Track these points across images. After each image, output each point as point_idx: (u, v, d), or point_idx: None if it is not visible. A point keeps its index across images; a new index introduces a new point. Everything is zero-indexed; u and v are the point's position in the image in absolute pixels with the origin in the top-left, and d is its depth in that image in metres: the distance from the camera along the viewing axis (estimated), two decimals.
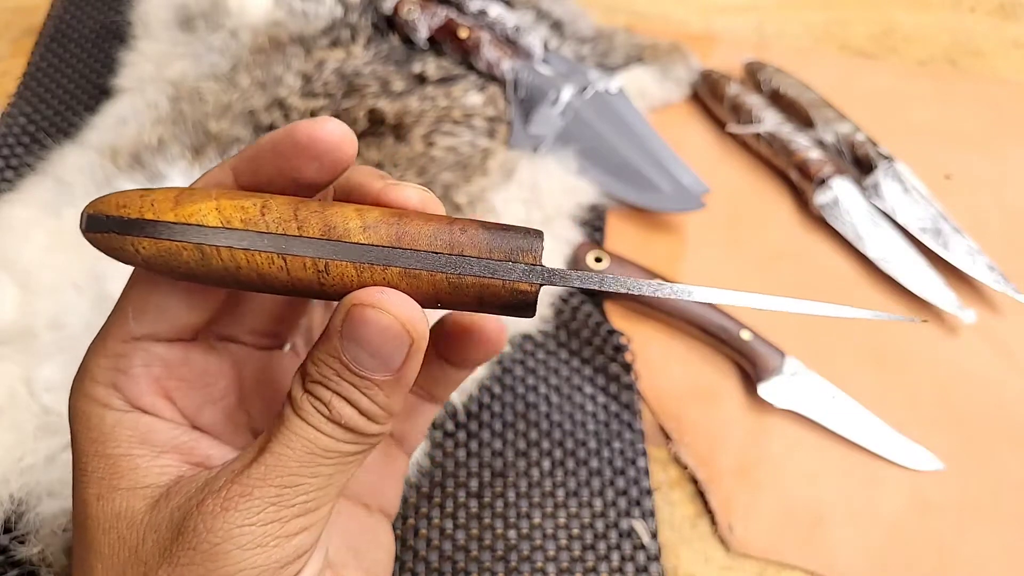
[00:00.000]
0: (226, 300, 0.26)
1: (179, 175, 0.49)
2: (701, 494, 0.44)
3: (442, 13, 0.59)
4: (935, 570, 0.42)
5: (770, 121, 0.59)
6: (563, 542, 0.42)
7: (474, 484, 0.43)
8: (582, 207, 0.54)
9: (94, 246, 0.23)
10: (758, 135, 0.59)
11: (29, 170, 0.53)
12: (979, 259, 0.52)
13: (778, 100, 0.61)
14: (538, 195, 0.53)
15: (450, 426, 0.45)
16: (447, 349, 0.29)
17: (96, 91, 0.60)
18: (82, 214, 0.23)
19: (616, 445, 0.45)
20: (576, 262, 0.51)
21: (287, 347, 0.31)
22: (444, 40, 0.59)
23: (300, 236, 0.22)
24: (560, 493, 0.43)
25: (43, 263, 0.45)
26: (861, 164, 0.56)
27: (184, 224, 0.22)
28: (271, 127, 0.53)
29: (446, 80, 0.57)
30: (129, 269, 0.25)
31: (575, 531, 0.42)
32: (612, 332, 0.48)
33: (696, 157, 0.59)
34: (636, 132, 0.57)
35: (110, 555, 0.23)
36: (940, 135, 0.62)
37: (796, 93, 0.60)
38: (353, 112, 0.53)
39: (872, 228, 0.54)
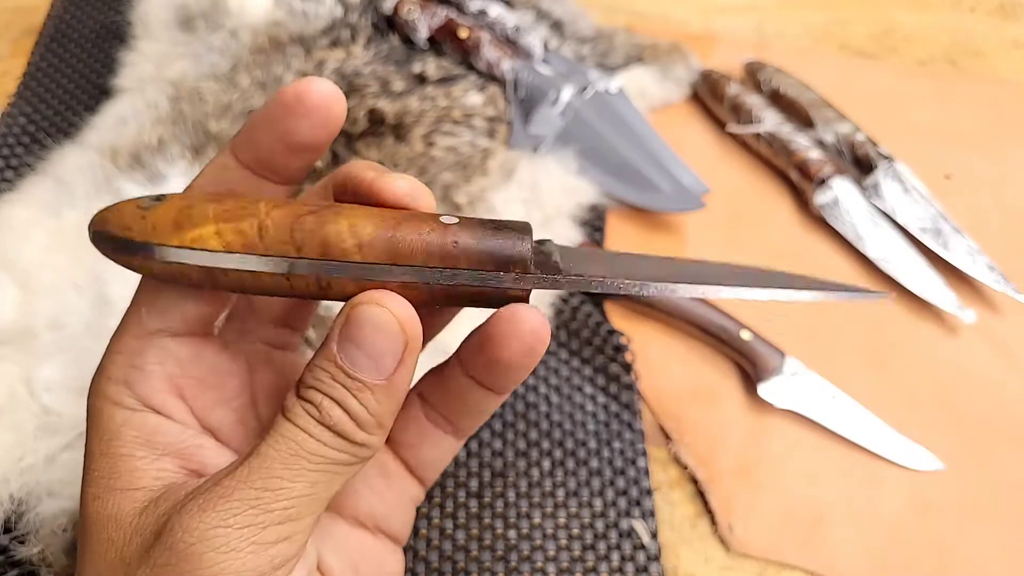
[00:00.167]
0: (240, 296, 0.27)
1: (179, 175, 0.49)
2: (701, 494, 0.44)
3: (442, 13, 0.59)
4: (935, 570, 0.42)
5: (770, 121, 0.59)
6: (563, 542, 0.42)
7: (474, 484, 0.43)
8: (582, 207, 0.54)
9: (101, 253, 0.23)
10: (758, 135, 0.59)
11: (29, 170, 0.53)
12: (979, 259, 0.52)
13: (778, 100, 0.61)
14: (538, 195, 0.53)
15: None
16: (476, 357, 0.26)
17: (96, 91, 0.60)
18: (90, 227, 0.23)
19: (616, 445, 0.45)
20: None
21: (302, 341, 0.31)
22: (444, 40, 0.59)
23: (300, 258, 0.22)
24: (560, 493, 0.43)
25: (43, 263, 0.45)
26: (861, 164, 0.56)
27: (188, 248, 0.22)
28: None
29: (446, 80, 0.57)
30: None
31: (575, 531, 0.42)
32: (612, 332, 0.48)
33: (696, 157, 0.59)
34: (636, 132, 0.57)
35: (99, 555, 0.23)
36: (940, 135, 0.62)
37: (796, 93, 0.60)
38: (353, 112, 0.53)
39: (872, 228, 0.54)
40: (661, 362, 0.49)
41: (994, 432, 0.47)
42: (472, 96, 0.57)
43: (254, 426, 0.27)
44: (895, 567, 0.42)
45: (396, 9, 0.59)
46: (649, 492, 0.43)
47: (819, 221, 0.56)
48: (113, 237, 0.23)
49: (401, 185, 0.24)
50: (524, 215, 0.52)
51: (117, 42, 0.62)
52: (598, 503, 0.43)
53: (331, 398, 0.23)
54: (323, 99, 0.24)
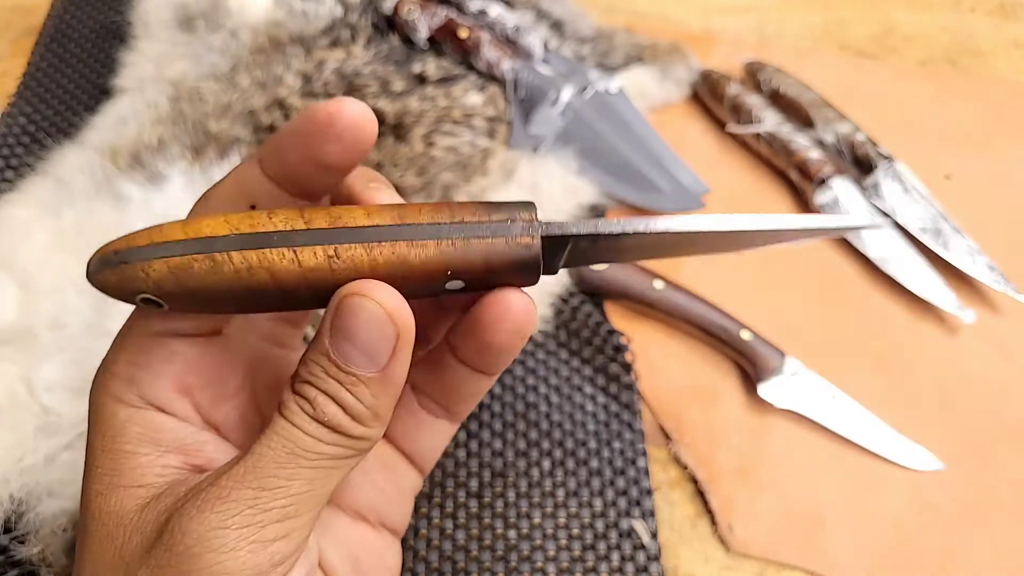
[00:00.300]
0: None
1: (179, 175, 0.49)
2: (701, 494, 0.44)
3: (442, 13, 0.59)
4: (935, 570, 0.42)
5: (770, 121, 0.59)
6: (563, 542, 0.42)
7: (474, 484, 0.43)
8: (582, 207, 0.54)
9: (103, 290, 0.23)
10: (758, 135, 0.59)
11: (29, 170, 0.53)
12: (979, 259, 0.52)
13: (778, 100, 0.61)
14: (538, 195, 0.53)
15: None
16: (467, 343, 0.27)
17: (96, 91, 0.60)
18: (88, 263, 0.23)
19: (616, 445, 0.45)
20: None
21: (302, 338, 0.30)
22: (444, 40, 0.59)
23: (309, 230, 0.22)
24: (560, 493, 0.43)
25: (43, 263, 0.45)
26: (861, 164, 0.56)
27: (194, 239, 0.22)
28: (271, 127, 0.53)
29: (446, 80, 0.57)
30: None
31: (575, 531, 0.42)
32: (612, 332, 0.48)
33: (696, 157, 0.59)
34: (636, 132, 0.57)
35: (99, 552, 0.23)
36: (940, 135, 0.62)
37: (796, 93, 0.60)
38: None
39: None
40: (661, 362, 0.49)
41: (994, 432, 0.47)
42: (472, 96, 0.57)
43: (256, 423, 0.27)
44: (895, 567, 0.42)
45: (396, 9, 0.59)
46: (649, 492, 0.43)
47: None
48: (116, 252, 0.22)
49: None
50: None
51: (117, 42, 0.62)
52: (598, 503, 0.43)
53: (325, 393, 0.23)
54: (355, 122, 0.23)
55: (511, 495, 0.43)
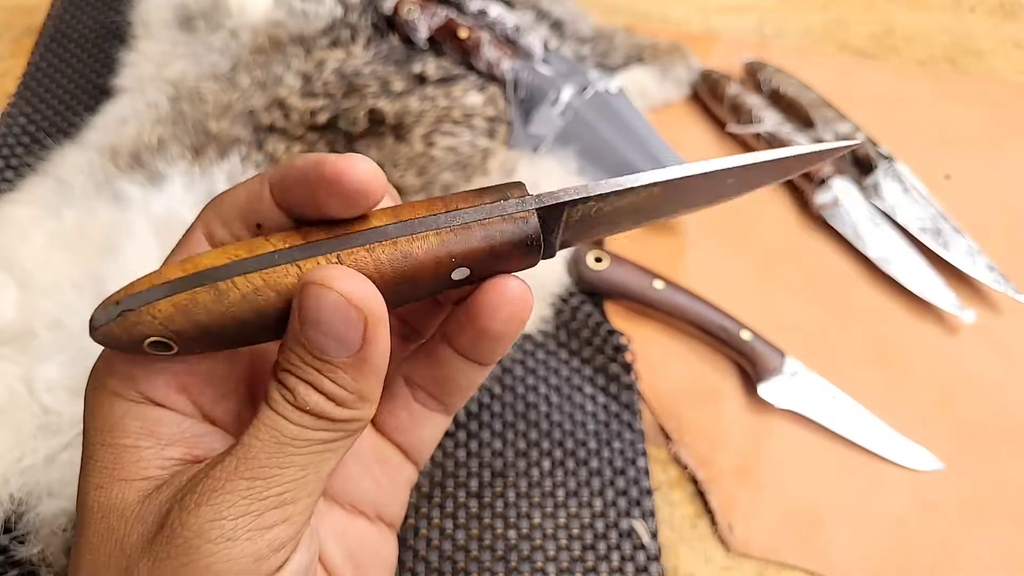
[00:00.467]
0: None
1: (179, 175, 0.49)
2: (701, 494, 0.44)
3: (442, 13, 0.59)
4: (935, 570, 0.42)
5: (770, 121, 0.59)
6: (563, 542, 0.42)
7: (474, 484, 0.43)
8: None
9: (108, 344, 0.22)
10: (758, 135, 0.59)
11: (29, 170, 0.53)
12: (979, 259, 0.52)
13: (778, 100, 0.61)
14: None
15: (450, 426, 0.45)
16: (464, 331, 0.27)
17: (96, 91, 0.60)
18: (91, 319, 0.22)
19: (616, 445, 0.45)
20: (576, 263, 0.51)
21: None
22: (444, 40, 0.59)
23: (308, 243, 0.22)
24: (560, 493, 0.43)
25: (43, 263, 0.45)
26: (861, 164, 0.56)
27: (193, 273, 0.22)
28: (271, 127, 0.53)
29: (446, 80, 0.57)
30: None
31: (575, 531, 0.42)
32: (612, 332, 0.48)
33: (696, 157, 0.58)
34: (636, 132, 0.57)
35: (98, 545, 0.23)
36: (940, 135, 0.62)
37: (796, 93, 0.60)
38: (353, 112, 0.53)
39: (872, 228, 0.54)
40: (661, 362, 0.49)
41: (994, 432, 0.47)
42: (472, 96, 0.57)
43: (251, 419, 0.27)
44: (895, 567, 0.42)
45: (396, 9, 0.59)
46: (649, 492, 0.43)
47: (819, 221, 0.56)
48: (117, 303, 0.22)
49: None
50: None
51: (117, 42, 0.62)
52: (598, 503, 0.43)
53: (305, 381, 0.22)
54: (361, 184, 0.22)
55: (511, 495, 0.43)
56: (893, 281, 0.53)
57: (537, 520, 0.42)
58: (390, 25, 0.60)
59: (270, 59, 0.56)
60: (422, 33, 0.59)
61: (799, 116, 0.59)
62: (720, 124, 0.62)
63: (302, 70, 0.56)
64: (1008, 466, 0.46)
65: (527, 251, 0.24)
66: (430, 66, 0.57)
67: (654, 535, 0.42)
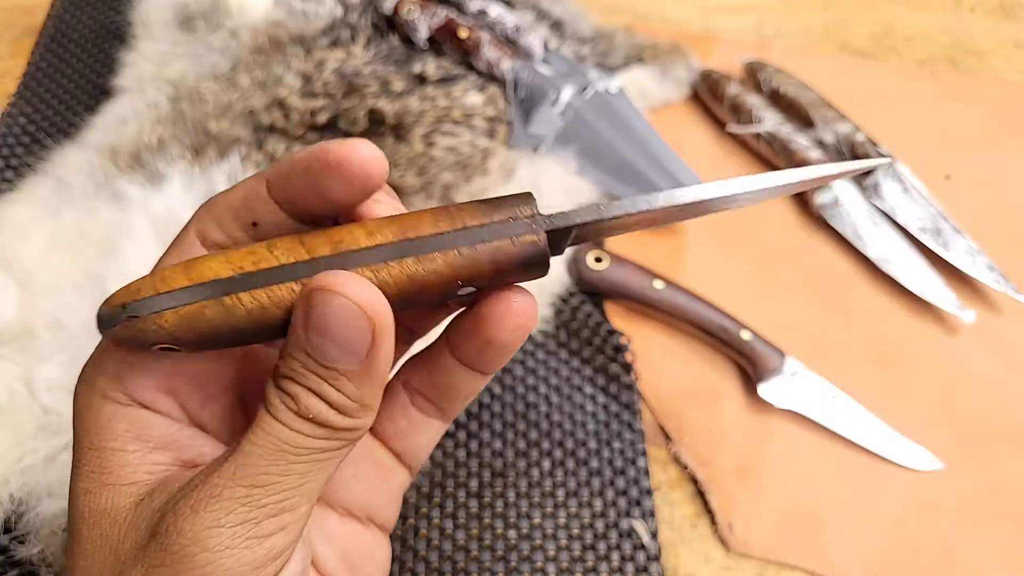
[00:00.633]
0: None
1: (179, 175, 0.49)
2: (701, 494, 0.44)
3: (442, 13, 0.59)
4: (935, 570, 0.42)
5: (770, 121, 0.59)
6: (563, 542, 0.42)
7: (474, 484, 0.43)
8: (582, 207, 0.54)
9: (118, 344, 0.23)
10: (758, 135, 0.59)
11: (29, 170, 0.53)
12: (979, 259, 0.52)
13: (778, 100, 0.61)
14: (538, 195, 0.53)
15: (450, 426, 0.45)
16: (468, 341, 0.27)
17: (96, 91, 0.60)
18: (99, 318, 0.22)
19: (616, 445, 0.45)
20: (576, 263, 0.51)
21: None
22: (444, 40, 0.59)
23: (313, 259, 0.22)
24: (560, 493, 0.43)
25: (43, 263, 0.45)
26: None
27: (199, 284, 0.22)
28: (271, 127, 0.53)
29: (446, 80, 0.57)
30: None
31: (575, 531, 0.42)
32: (612, 332, 0.48)
33: (696, 157, 0.59)
34: (636, 132, 0.57)
35: (92, 552, 0.23)
36: (940, 135, 0.62)
37: (796, 93, 0.60)
38: (353, 112, 0.54)
39: (872, 228, 0.54)
40: (661, 362, 0.49)
41: (994, 432, 0.47)
42: (472, 96, 0.57)
43: (243, 422, 0.27)
44: (895, 567, 0.42)
45: (396, 9, 0.59)
46: (649, 492, 0.43)
47: (819, 221, 0.56)
48: (124, 306, 0.22)
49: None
50: None
51: (117, 42, 0.62)
52: (598, 503, 0.43)
53: (308, 388, 0.22)
54: (364, 167, 0.23)
55: (511, 495, 0.43)
56: (893, 281, 0.53)
57: (537, 520, 0.42)
58: (390, 25, 0.60)
59: (270, 59, 0.56)
60: (422, 33, 0.59)
61: (799, 116, 0.59)
62: (720, 124, 0.62)
63: (302, 70, 0.56)
64: (1008, 466, 0.46)
65: (535, 269, 0.24)
66: (430, 66, 0.57)
67: (654, 535, 0.42)
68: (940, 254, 0.53)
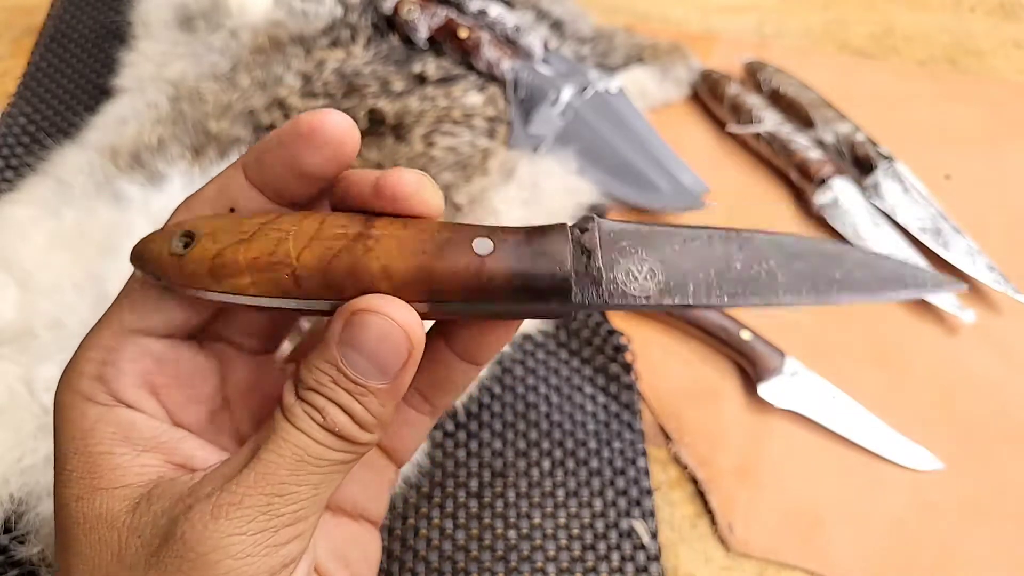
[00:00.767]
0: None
1: (179, 175, 0.49)
2: (701, 494, 0.44)
3: (442, 13, 0.59)
4: (935, 570, 0.42)
5: (770, 121, 0.59)
6: (563, 542, 0.42)
7: (474, 484, 0.43)
8: (582, 207, 0.54)
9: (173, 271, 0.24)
10: (758, 135, 0.59)
11: (29, 170, 0.53)
12: (979, 259, 0.52)
13: (778, 100, 0.61)
14: (538, 195, 0.53)
15: (450, 426, 0.45)
16: (462, 331, 0.27)
17: (96, 91, 0.60)
18: (132, 257, 0.24)
19: (616, 445, 0.45)
20: None
21: (280, 353, 0.30)
22: (444, 40, 0.59)
23: (338, 299, 0.23)
24: (560, 493, 0.43)
25: (43, 263, 0.45)
26: (861, 164, 0.56)
27: (228, 292, 0.23)
28: (271, 127, 0.53)
29: (446, 80, 0.57)
30: (131, 271, 0.25)
31: (575, 531, 0.42)
32: (612, 332, 0.48)
33: (696, 157, 0.59)
34: (636, 132, 0.57)
35: (91, 557, 0.23)
36: (940, 135, 0.62)
37: (796, 93, 0.60)
38: (353, 112, 0.53)
39: (872, 228, 0.54)
40: (661, 362, 0.49)
41: (994, 432, 0.47)
42: (472, 96, 0.57)
43: (227, 425, 0.27)
44: (895, 567, 0.42)
45: (396, 9, 0.59)
46: (649, 492, 0.43)
47: (819, 221, 0.56)
48: (157, 278, 0.23)
49: (409, 180, 0.24)
50: (524, 215, 0.52)
51: (117, 42, 0.62)
52: (598, 503, 0.43)
53: (335, 402, 0.23)
54: (337, 134, 0.23)
55: (511, 495, 0.43)
56: None
57: (537, 520, 0.42)
58: (390, 25, 0.60)
59: (270, 59, 0.56)
60: (422, 33, 0.59)
61: (799, 116, 0.59)
62: (720, 124, 0.62)
63: (302, 70, 0.56)
64: (1008, 466, 0.46)
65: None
66: (430, 66, 0.58)
67: (654, 535, 0.42)
68: (940, 254, 0.53)
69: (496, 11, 0.61)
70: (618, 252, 0.24)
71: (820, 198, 0.55)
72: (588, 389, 0.47)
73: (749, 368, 0.48)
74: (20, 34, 0.65)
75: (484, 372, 0.47)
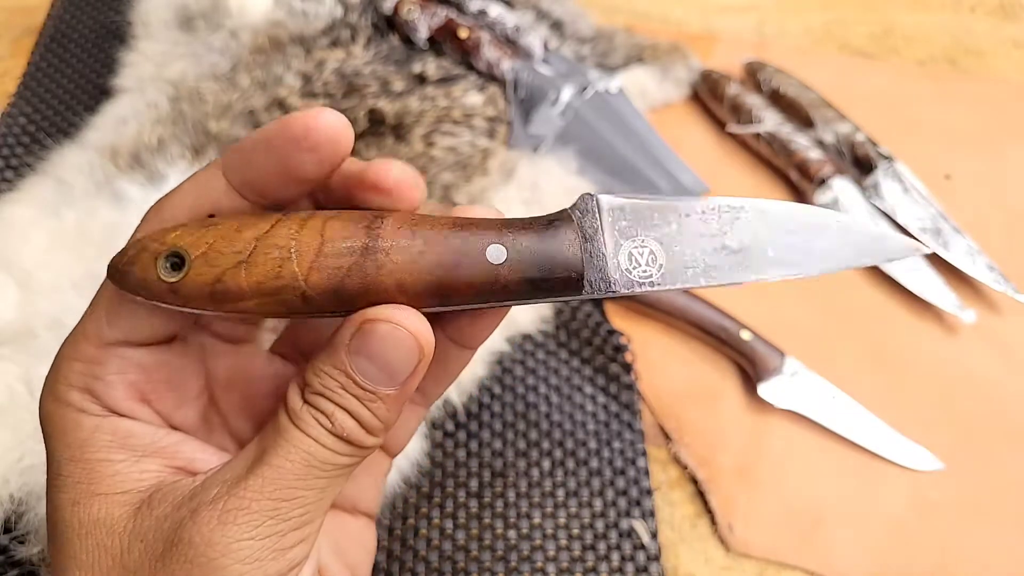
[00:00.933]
0: None
1: (179, 175, 0.49)
2: (701, 494, 0.44)
3: (442, 13, 0.59)
4: (935, 570, 0.42)
5: (770, 121, 0.59)
6: (563, 542, 0.42)
7: (474, 484, 0.43)
8: None
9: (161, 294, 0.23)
10: (758, 135, 0.59)
11: (29, 170, 0.53)
12: (979, 259, 0.52)
13: (778, 100, 0.61)
14: (538, 195, 0.53)
15: (450, 426, 0.45)
16: (456, 316, 0.27)
17: (96, 91, 0.60)
18: (111, 271, 0.22)
19: (616, 445, 0.45)
20: None
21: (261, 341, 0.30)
22: (444, 40, 0.59)
23: (350, 311, 0.23)
24: (560, 493, 0.43)
25: (43, 263, 0.45)
26: (861, 164, 0.56)
27: (230, 312, 0.22)
28: None
29: (446, 80, 0.57)
30: None
31: (575, 531, 0.42)
32: (612, 332, 0.48)
33: (696, 157, 0.59)
34: (636, 132, 0.57)
35: (90, 563, 0.23)
36: (940, 135, 0.62)
37: (796, 93, 0.60)
38: (353, 112, 0.53)
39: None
40: (661, 362, 0.49)
41: (994, 432, 0.47)
42: (472, 96, 0.57)
43: (218, 421, 0.27)
44: (895, 567, 0.42)
45: (396, 9, 0.59)
46: (649, 492, 0.43)
47: None
48: (140, 295, 0.22)
49: (393, 171, 0.24)
50: (524, 215, 0.52)
51: (117, 42, 0.62)
52: (598, 503, 0.43)
53: (342, 408, 0.23)
54: (332, 134, 0.22)
55: (511, 495, 0.43)
56: (893, 281, 0.53)
57: (537, 520, 0.42)
58: (390, 25, 0.60)
59: (270, 59, 0.56)
60: (422, 33, 0.59)
61: (799, 116, 0.59)
62: (720, 124, 0.62)
63: (302, 70, 0.56)
64: (1008, 466, 0.46)
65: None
66: (430, 66, 0.57)
67: (654, 535, 0.42)
68: (940, 254, 0.53)
69: (496, 11, 0.61)
70: (619, 233, 0.24)
71: (820, 198, 0.55)
72: (588, 389, 0.47)
73: (749, 368, 0.48)
74: (20, 34, 0.65)
75: (484, 372, 0.47)
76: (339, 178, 0.24)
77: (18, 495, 0.38)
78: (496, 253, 0.23)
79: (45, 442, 0.24)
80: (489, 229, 0.23)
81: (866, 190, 0.56)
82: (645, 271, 0.24)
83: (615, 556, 0.41)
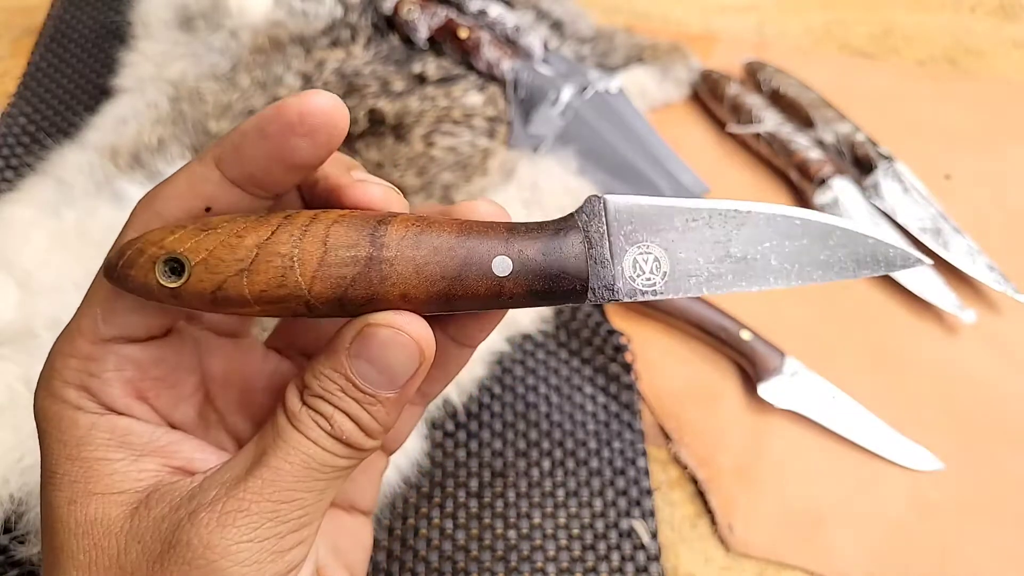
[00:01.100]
0: None
1: None
2: (701, 494, 0.44)
3: (442, 13, 0.59)
4: (935, 570, 0.42)
5: (770, 121, 0.59)
6: (563, 542, 0.42)
7: (474, 484, 0.43)
8: None
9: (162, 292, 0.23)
10: (758, 135, 0.59)
11: (29, 170, 0.53)
12: (979, 259, 0.52)
13: (778, 100, 0.61)
14: (538, 195, 0.53)
15: (450, 426, 0.45)
16: (456, 316, 0.26)
17: (96, 91, 0.60)
18: (108, 269, 0.22)
19: (616, 445, 0.45)
20: None
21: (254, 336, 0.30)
22: (444, 40, 0.59)
23: (354, 315, 0.23)
24: (560, 493, 0.43)
25: (43, 263, 0.45)
26: (861, 164, 0.56)
27: (232, 314, 0.22)
28: None
29: (446, 80, 0.57)
30: None
31: (575, 531, 0.42)
32: (612, 332, 0.48)
33: (696, 157, 0.59)
34: (636, 132, 0.57)
35: (87, 562, 0.22)
36: (940, 135, 0.62)
37: (796, 93, 0.60)
38: (353, 112, 0.53)
39: (872, 228, 0.54)
40: (661, 362, 0.49)
41: (994, 432, 0.47)
42: (472, 96, 0.57)
43: (214, 419, 0.27)
44: (895, 567, 0.42)
45: (396, 9, 0.59)
46: (649, 492, 0.43)
47: None
48: (138, 295, 0.22)
49: (375, 193, 0.23)
50: (524, 215, 0.52)
51: (117, 42, 0.62)
52: (598, 503, 0.43)
53: (342, 411, 0.23)
54: (327, 116, 0.22)
55: (511, 495, 0.43)
56: (893, 281, 0.53)
57: (537, 520, 0.42)
58: (390, 25, 0.60)
59: (270, 59, 0.56)
60: (422, 33, 0.59)
61: (799, 116, 0.59)
62: (720, 124, 0.62)
63: (302, 70, 0.56)
64: (1008, 466, 0.46)
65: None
66: (430, 66, 0.57)
67: (654, 535, 0.42)
68: (940, 254, 0.53)
69: (496, 11, 0.61)
70: (625, 238, 0.24)
71: (820, 198, 0.55)
72: (588, 389, 0.47)
73: (749, 368, 0.48)
74: (20, 34, 0.65)
75: (484, 372, 0.47)
76: (324, 186, 0.24)
77: (18, 495, 0.38)
78: (502, 265, 0.23)
79: (40, 439, 0.24)
80: (495, 237, 0.23)
81: (866, 190, 0.56)
82: (649, 279, 0.24)
83: (615, 556, 0.41)
